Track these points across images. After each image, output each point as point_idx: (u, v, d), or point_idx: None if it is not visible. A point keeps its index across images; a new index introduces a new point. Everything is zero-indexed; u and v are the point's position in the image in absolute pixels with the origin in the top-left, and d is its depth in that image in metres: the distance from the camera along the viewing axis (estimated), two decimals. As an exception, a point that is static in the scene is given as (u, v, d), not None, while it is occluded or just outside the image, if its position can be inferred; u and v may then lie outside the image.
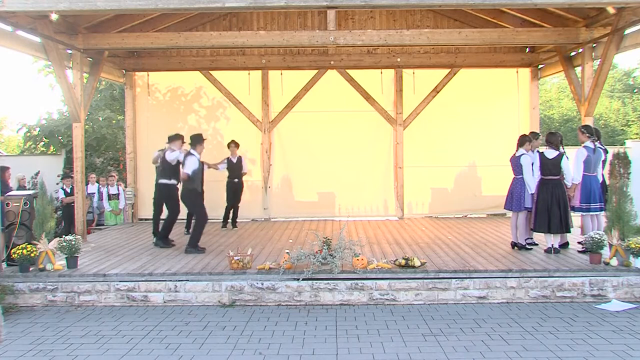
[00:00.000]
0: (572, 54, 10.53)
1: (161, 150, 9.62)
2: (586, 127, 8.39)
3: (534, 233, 8.51)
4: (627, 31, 8.74)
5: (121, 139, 14.84)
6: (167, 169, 9.17)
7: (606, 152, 8.40)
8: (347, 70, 12.45)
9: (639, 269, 7.08)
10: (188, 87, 12.76)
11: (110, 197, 12.35)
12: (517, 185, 8.32)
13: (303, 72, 12.44)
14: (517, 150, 8.43)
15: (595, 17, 9.40)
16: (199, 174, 9.04)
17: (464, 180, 12.67)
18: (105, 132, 15.23)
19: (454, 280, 7.03)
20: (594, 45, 9.68)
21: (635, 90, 30.32)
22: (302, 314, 6.63)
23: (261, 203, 12.64)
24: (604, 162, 8.30)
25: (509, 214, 10.19)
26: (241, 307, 6.91)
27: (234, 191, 11.04)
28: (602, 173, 8.30)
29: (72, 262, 7.51)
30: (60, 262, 7.54)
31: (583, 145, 8.18)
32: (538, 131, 11.03)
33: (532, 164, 8.14)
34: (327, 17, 9.48)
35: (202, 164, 9.58)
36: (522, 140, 8.44)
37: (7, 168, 10.82)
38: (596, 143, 8.20)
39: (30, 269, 7.32)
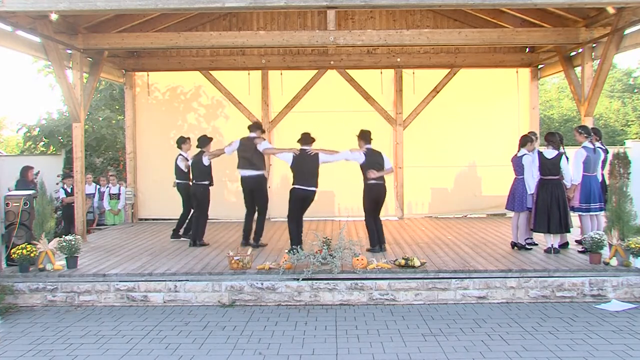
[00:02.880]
0: (572, 54, 10.53)
1: (247, 139, 8.91)
2: (583, 127, 8.40)
3: (534, 233, 8.51)
4: (627, 31, 8.74)
5: (121, 138, 14.84)
6: (259, 159, 8.80)
7: (606, 152, 8.40)
8: (347, 70, 12.45)
9: (639, 269, 7.08)
10: (187, 86, 12.77)
11: (111, 196, 12.36)
12: (519, 185, 8.32)
13: (303, 72, 12.44)
14: (518, 151, 8.43)
15: (595, 17, 9.39)
16: None
17: (464, 180, 12.67)
18: (105, 132, 15.22)
19: (453, 280, 7.03)
20: (594, 45, 9.67)
21: (635, 90, 30.31)
22: (302, 314, 6.63)
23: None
24: (604, 162, 8.30)
25: (509, 214, 10.20)
26: (241, 307, 6.91)
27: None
28: (602, 173, 8.31)
29: (71, 262, 7.51)
30: (60, 262, 7.54)
31: (582, 145, 8.18)
32: (537, 131, 11.04)
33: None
34: (327, 17, 9.47)
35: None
36: (524, 141, 8.44)
37: (31, 168, 11.02)
38: (596, 143, 8.21)
39: (30, 269, 7.32)
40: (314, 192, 8.26)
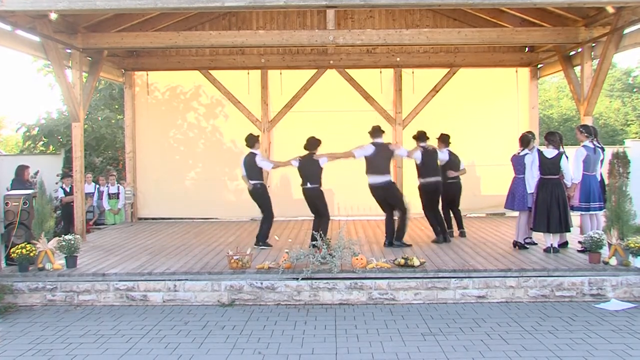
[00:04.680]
0: (572, 53, 10.53)
1: (381, 145, 8.84)
2: (584, 126, 8.39)
3: (534, 232, 8.51)
4: (626, 31, 8.74)
5: (120, 138, 14.83)
6: (388, 165, 8.83)
7: (603, 150, 8.39)
8: (347, 70, 12.43)
9: (638, 268, 7.08)
10: (187, 86, 12.77)
11: (110, 196, 12.35)
12: (520, 184, 8.32)
13: (302, 71, 12.42)
14: (520, 150, 8.43)
15: (594, 16, 9.40)
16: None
17: (463, 180, 12.60)
18: (105, 131, 15.20)
19: (453, 279, 7.03)
20: (593, 44, 9.67)
21: (634, 90, 30.31)
22: (302, 313, 6.63)
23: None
24: (602, 161, 8.31)
25: (509, 213, 10.18)
26: (240, 307, 6.91)
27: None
28: (601, 172, 8.31)
29: (71, 261, 7.50)
30: (59, 262, 7.53)
31: (582, 145, 8.18)
32: (537, 131, 11.02)
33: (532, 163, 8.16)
34: (326, 16, 9.48)
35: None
36: (525, 140, 8.44)
37: (27, 167, 10.98)
38: (595, 142, 8.21)
39: (30, 268, 7.32)
40: (440, 182, 9.17)
